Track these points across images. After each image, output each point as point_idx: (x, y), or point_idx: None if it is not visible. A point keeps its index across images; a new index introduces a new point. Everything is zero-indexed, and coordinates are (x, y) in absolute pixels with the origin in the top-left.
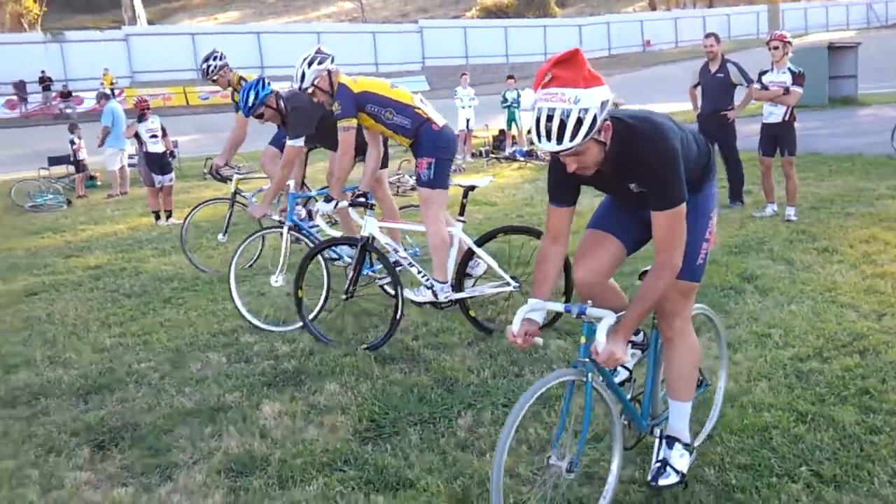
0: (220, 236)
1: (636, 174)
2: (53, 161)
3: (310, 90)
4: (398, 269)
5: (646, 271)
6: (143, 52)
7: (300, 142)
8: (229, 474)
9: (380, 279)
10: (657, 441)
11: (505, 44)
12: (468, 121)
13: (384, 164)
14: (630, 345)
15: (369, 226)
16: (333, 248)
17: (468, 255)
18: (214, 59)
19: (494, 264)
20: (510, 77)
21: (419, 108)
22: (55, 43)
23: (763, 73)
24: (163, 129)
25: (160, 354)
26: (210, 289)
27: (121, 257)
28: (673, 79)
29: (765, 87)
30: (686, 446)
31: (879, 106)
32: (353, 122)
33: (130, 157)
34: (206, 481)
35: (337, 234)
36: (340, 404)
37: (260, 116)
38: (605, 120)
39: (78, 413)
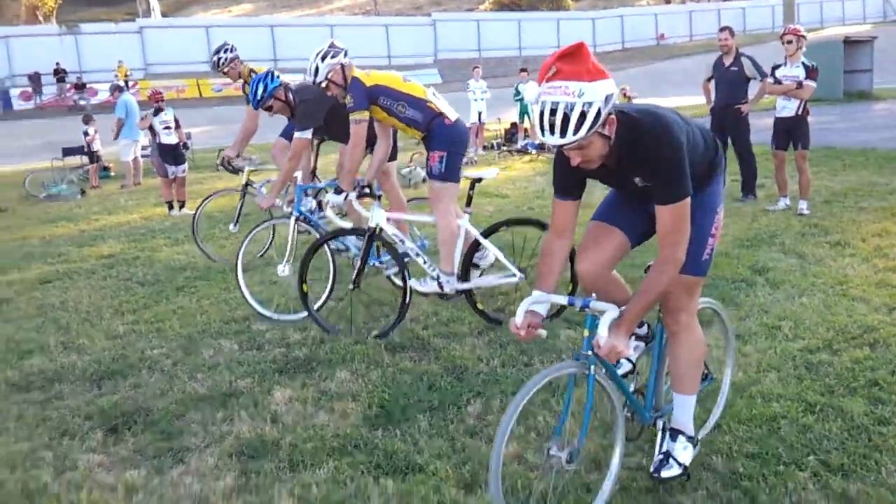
0: (231, 227)
1: (641, 168)
2: (67, 152)
3: (323, 84)
4: (405, 259)
5: (650, 265)
6: (156, 44)
7: (308, 134)
8: (241, 458)
9: (387, 269)
10: (660, 433)
11: (518, 37)
12: (480, 114)
13: (393, 157)
14: (633, 337)
15: (376, 216)
16: (340, 239)
17: (474, 246)
18: (225, 51)
19: (500, 255)
20: (523, 70)
21: (431, 102)
22: (70, 35)
23: (776, 67)
24: (176, 121)
25: (172, 341)
26: (222, 278)
27: (134, 246)
28: (687, 72)
29: (778, 82)
30: (690, 439)
31: (895, 101)
32: (366, 114)
33: (144, 148)
34: (217, 464)
35: (347, 225)
36: (351, 391)
37: (269, 109)
38: (610, 114)
39: (91, 398)
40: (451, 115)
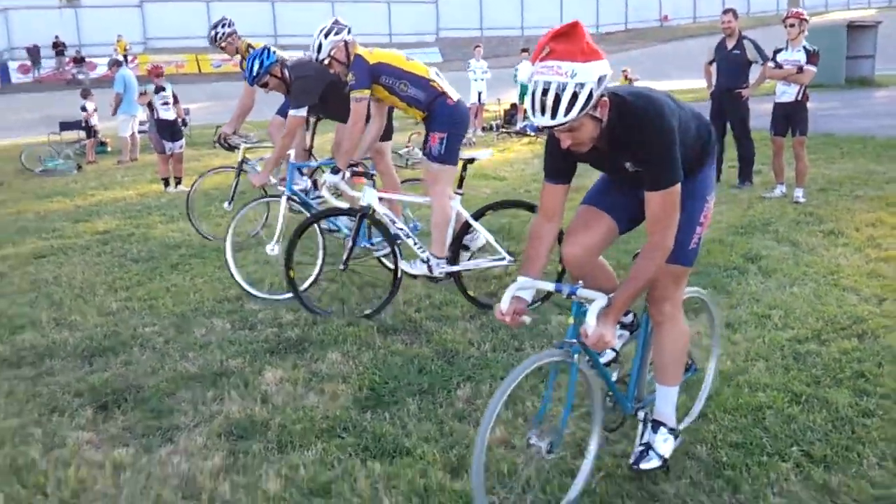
0: (225, 204)
1: (631, 152)
2: (65, 126)
3: (326, 61)
4: (396, 241)
5: (638, 253)
6: (157, 18)
7: (303, 111)
8: (230, 438)
9: (377, 251)
10: (641, 424)
11: (521, 16)
12: (480, 94)
13: (388, 137)
14: (619, 326)
15: (368, 196)
16: (331, 219)
17: (465, 228)
18: (223, 26)
19: (491, 238)
20: (524, 50)
21: (434, 81)
22: (69, 8)
23: (778, 51)
24: (174, 97)
25: (165, 319)
26: (217, 256)
27: (129, 223)
28: (690, 55)
29: (779, 66)
30: (671, 431)
31: None
32: (367, 93)
33: (141, 123)
34: (206, 444)
35: (344, 205)
36: (341, 373)
37: (265, 85)
38: (602, 96)
39: (82, 374)
40: (454, 95)
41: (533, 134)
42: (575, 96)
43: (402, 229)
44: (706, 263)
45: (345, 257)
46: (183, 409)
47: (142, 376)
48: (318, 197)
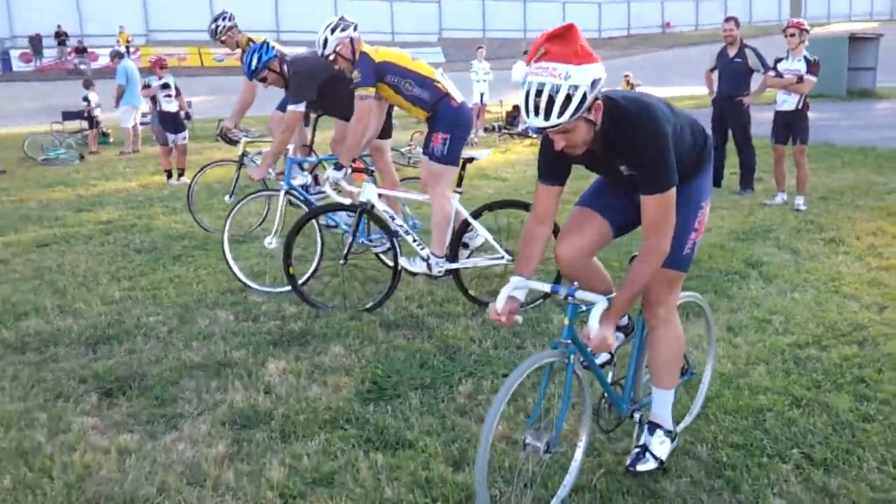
0: (226, 198)
1: (626, 156)
2: (67, 115)
3: (331, 57)
4: (396, 236)
5: (635, 256)
6: (159, 9)
7: (301, 107)
8: (233, 426)
9: (374, 247)
10: (637, 426)
11: (523, 18)
12: (482, 95)
13: (387, 135)
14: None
15: (367, 192)
16: (330, 215)
17: (464, 226)
18: (223, 19)
19: (490, 237)
20: (526, 52)
21: (439, 82)
22: None
23: (779, 60)
24: (176, 89)
25: (168, 309)
26: (220, 248)
27: (132, 213)
28: (692, 62)
29: (779, 75)
30: (668, 433)
31: None
32: (371, 91)
33: (144, 115)
34: (210, 432)
35: (346, 201)
36: (344, 366)
37: (263, 80)
38: (596, 99)
39: (86, 361)
40: (458, 97)
41: (535, 136)
42: (568, 98)
43: (401, 226)
44: (708, 268)
45: (345, 252)
46: (187, 398)
47: (146, 364)
48: (319, 192)
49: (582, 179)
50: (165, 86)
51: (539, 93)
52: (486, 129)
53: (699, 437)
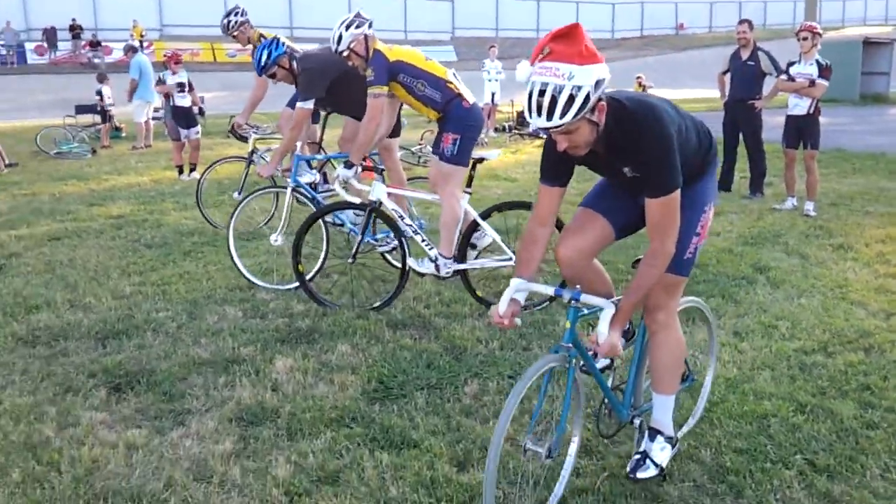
0: (235, 194)
1: (629, 158)
2: (81, 109)
3: (345, 53)
4: (404, 236)
5: (639, 259)
6: (173, 4)
7: (309, 104)
8: (240, 423)
9: (380, 247)
10: (638, 433)
11: (536, 18)
12: (493, 94)
13: (396, 134)
14: None
15: (377, 191)
16: (336, 213)
17: (472, 227)
18: (235, 14)
19: (498, 238)
20: None
21: (451, 83)
22: None
23: (791, 63)
24: (189, 84)
25: (178, 305)
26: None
27: (143, 209)
28: (705, 64)
29: (791, 79)
30: (668, 439)
31: None
32: (385, 89)
33: (156, 110)
34: (217, 428)
35: (355, 200)
36: (351, 364)
37: (273, 76)
38: (600, 99)
39: (96, 356)
40: (469, 98)
41: (545, 136)
42: (571, 99)
43: (410, 225)
44: (715, 272)
45: (353, 251)
46: (195, 394)
47: (154, 360)
48: (327, 190)
49: (588, 182)
50: (181, 84)
51: (542, 93)
52: (496, 130)
53: (703, 441)
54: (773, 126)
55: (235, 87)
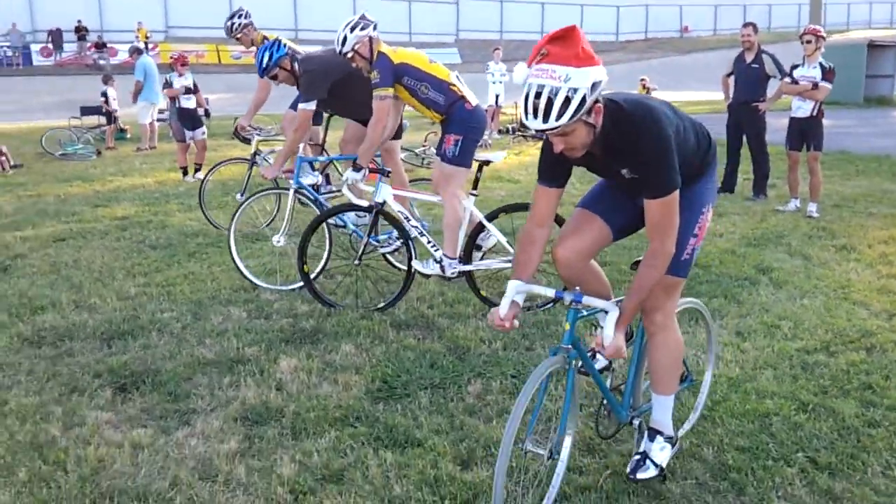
0: (237, 196)
1: (627, 159)
2: (86, 110)
3: (349, 55)
4: (409, 237)
5: (638, 261)
6: (179, 6)
7: (312, 105)
8: (245, 422)
9: (383, 248)
10: (637, 433)
11: (541, 21)
12: (497, 97)
13: (398, 136)
14: None
15: (383, 192)
16: (339, 215)
17: (478, 229)
18: (239, 16)
19: (503, 239)
20: None
21: (454, 86)
22: None
23: (795, 66)
24: (194, 86)
25: (182, 305)
26: None
27: (147, 210)
28: (710, 67)
29: (794, 81)
30: (668, 439)
31: None
32: (390, 91)
33: (161, 111)
34: (222, 427)
35: (362, 202)
36: (355, 364)
37: (274, 78)
38: (597, 101)
39: (101, 356)
40: (472, 100)
41: (544, 138)
42: (567, 101)
43: (415, 227)
44: (718, 273)
45: (359, 252)
46: (200, 394)
47: (160, 360)
48: (329, 192)
49: (587, 183)
50: (188, 91)
51: (538, 95)
52: (500, 131)
53: (705, 439)
54: (776, 128)
55: (240, 89)
